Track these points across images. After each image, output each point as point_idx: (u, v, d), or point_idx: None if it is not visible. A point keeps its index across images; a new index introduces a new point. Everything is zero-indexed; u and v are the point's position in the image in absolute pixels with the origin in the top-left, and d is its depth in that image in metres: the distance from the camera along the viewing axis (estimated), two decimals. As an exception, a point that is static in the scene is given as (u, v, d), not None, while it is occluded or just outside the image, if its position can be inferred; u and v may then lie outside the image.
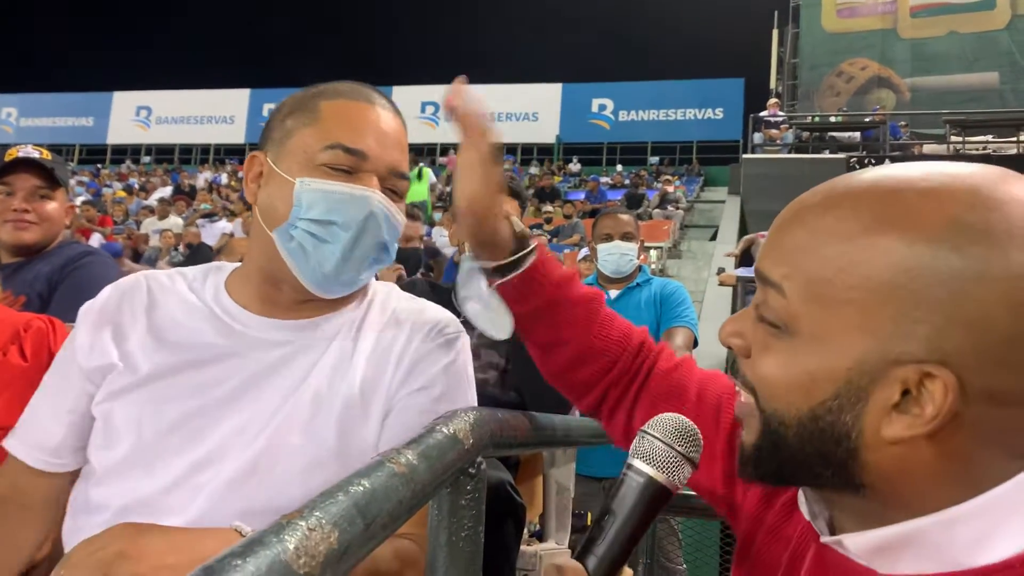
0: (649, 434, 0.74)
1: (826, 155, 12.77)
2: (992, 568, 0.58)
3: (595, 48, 31.37)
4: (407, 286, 2.26)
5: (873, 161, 12.01)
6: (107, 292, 1.07)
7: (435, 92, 25.03)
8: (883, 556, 0.63)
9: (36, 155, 2.18)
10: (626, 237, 3.05)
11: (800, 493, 0.75)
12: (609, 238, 3.06)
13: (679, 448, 0.73)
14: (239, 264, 1.13)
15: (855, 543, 0.64)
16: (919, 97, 17.53)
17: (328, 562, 0.49)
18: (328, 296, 1.05)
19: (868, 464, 0.61)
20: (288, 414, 0.97)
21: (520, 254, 0.99)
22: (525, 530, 1.97)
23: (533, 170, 20.21)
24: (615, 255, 3.04)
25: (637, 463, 0.73)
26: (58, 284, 2.11)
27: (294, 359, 1.02)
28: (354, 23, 36.05)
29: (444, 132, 24.58)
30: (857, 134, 13.57)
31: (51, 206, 2.18)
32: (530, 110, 24.28)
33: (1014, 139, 13.01)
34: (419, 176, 14.19)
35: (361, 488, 0.56)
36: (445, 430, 0.73)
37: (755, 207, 11.66)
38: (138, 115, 26.82)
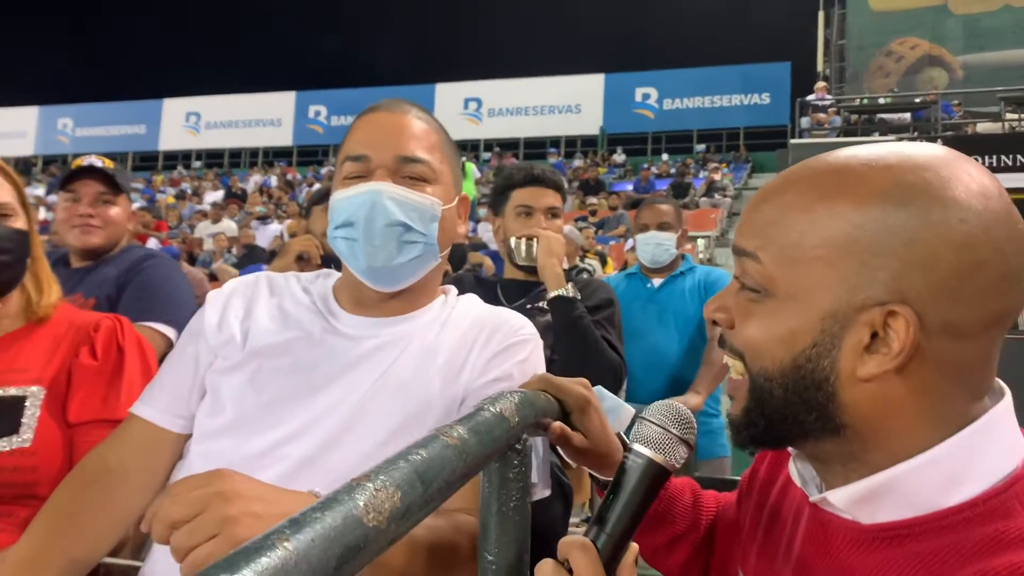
0: (647, 420, 0.82)
1: (875, 137, 12.54)
2: (961, 507, 0.65)
3: (637, 37, 31.17)
4: (454, 281, 2.34)
5: (925, 142, 11.79)
6: (233, 283, 1.23)
7: (477, 88, 25.15)
8: (864, 507, 0.70)
9: (99, 164, 2.31)
10: (663, 227, 3.08)
11: (791, 465, 0.81)
12: (646, 228, 3.09)
13: (674, 431, 0.80)
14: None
15: (838, 498, 0.71)
16: (972, 75, 17.09)
17: (393, 518, 0.56)
18: (386, 288, 1.17)
19: (847, 404, 0.68)
20: (372, 399, 1.09)
21: None
22: (578, 516, 2.03)
23: (577, 162, 20.21)
24: (651, 245, 3.08)
25: (637, 446, 0.80)
26: (125, 286, 2.23)
27: (380, 352, 1.14)
28: (393, 23, 36.35)
29: (487, 128, 24.69)
30: (908, 115, 13.30)
31: (114, 211, 2.31)
32: (573, 102, 24.24)
33: (1073, 115, 12.63)
34: (463, 172, 14.27)
35: (419, 457, 0.63)
36: (493, 409, 0.80)
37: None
38: (188, 121, 27.41)
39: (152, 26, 37.45)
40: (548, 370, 2.03)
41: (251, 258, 10.76)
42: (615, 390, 2.03)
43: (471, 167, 15.08)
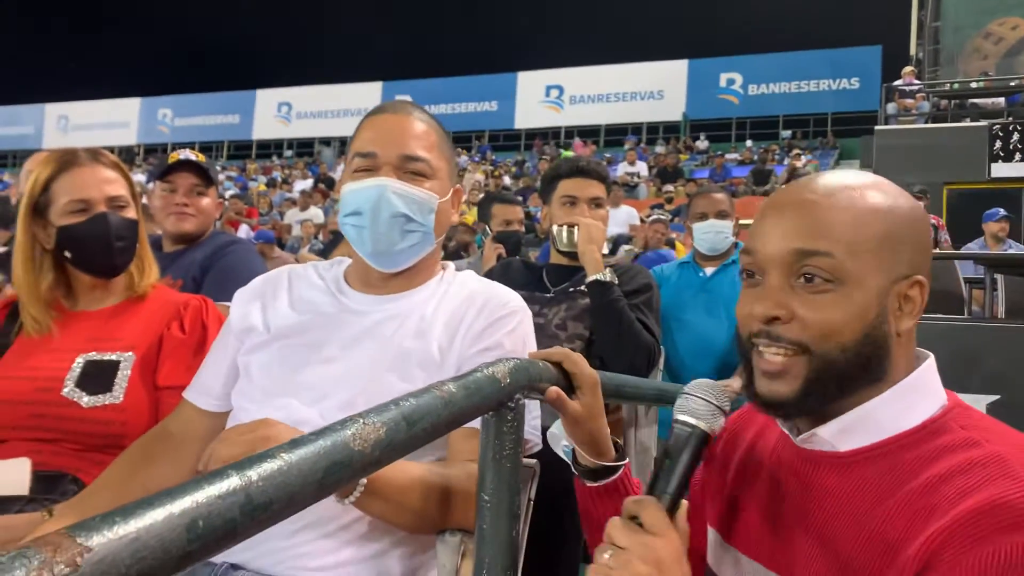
0: (690, 394, 0.95)
1: (966, 123, 12.11)
2: (915, 429, 0.87)
3: (722, 21, 30.63)
4: (504, 265, 2.50)
5: (1020, 128, 11.32)
6: (257, 280, 1.45)
7: (559, 76, 25.17)
8: (845, 436, 0.89)
9: (193, 157, 2.55)
10: (720, 215, 3.16)
11: (782, 424, 0.97)
12: (704, 217, 3.17)
13: (713, 401, 0.94)
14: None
15: (826, 431, 0.90)
16: (1079, 55, 16.25)
17: (377, 446, 0.72)
18: (389, 269, 1.36)
19: (893, 355, 0.89)
20: (377, 365, 1.27)
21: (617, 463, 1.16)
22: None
23: (659, 149, 20.08)
24: (710, 233, 3.16)
25: (682, 417, 0.94)
26: (209, 269, 2.46)
27: (384, 324, 1.33)
28: (474, 12, 36.63)
29: (568, 115, 24.71)
30: (1002, 100, 12.77)
31: (206, 201, 2.55)
32: (655, 88, 24.05)
33: None
34: None
35: (409, 403, 0.80)
36: (486, 371, 0.95)
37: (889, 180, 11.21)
38: (279, 111, 28.32)
39: (242, 19, 38.71)
40: (586, 349, 2.18)
41: (336, 244, 11.17)
42: (647, 370, 2.16)
43: (568, 155, 15.11)
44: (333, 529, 1.17)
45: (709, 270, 3.20)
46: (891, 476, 0.84)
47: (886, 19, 20.19)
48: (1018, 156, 11.26)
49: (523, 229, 3.51)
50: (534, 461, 1.36)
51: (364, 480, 1.05)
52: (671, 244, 7.23)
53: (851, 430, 0.89)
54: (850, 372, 0.87)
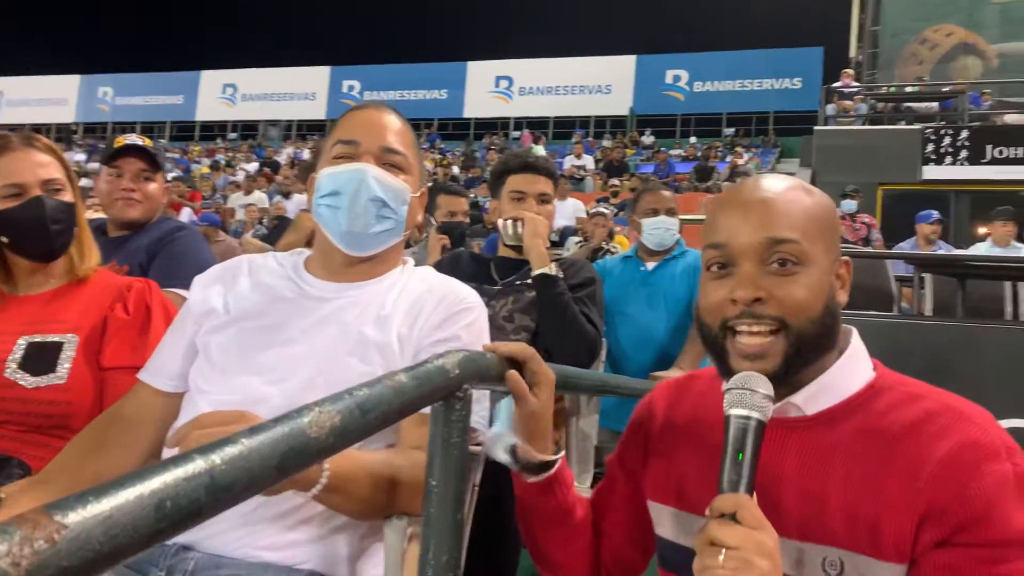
0: (737, 388, 0.97)
1: (901, 126, 12.50)
2: (862, 391, 1.03)
3: (670, 18, 30.94)
4: (452, 256, 2.54)
5: (951, 132, 11.73)
6: (216, 267, 1.48)
7: (509, 67, 25.19)
8: (812, 402, 1.03)
9: (140, 142, 2.52)
10: (670, 212, 3.25)
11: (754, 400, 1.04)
12: (655, 212, 3.25)
13: (762, 390, 0.96)
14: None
15: (799, 399, 1.03)
16: (1008, 64, 16.84)
17: (332, 433, 0.75)
18: (359, 252, 1.40)
19: (839, 326, 1.04)
20: (338, 348, 1.31)
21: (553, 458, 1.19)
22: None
23: (605, 143, 20.25)
24: (660, 229, 3.25)
25: (738, 411, 0.95)
26: (155, 255, 2.44)
27: (345, 310, 1.37)
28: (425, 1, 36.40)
29: (517, 107, 24.76)
30: (935, 104, 13.22)
31: (153, 187, 2.53)
32: (603, 82, 24.23)
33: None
34: None
35: (362, 393, 0.83)
36: (436, 362, 0.99)
37: (826, 179, 11.51)
38: (224, 93, 27.80)
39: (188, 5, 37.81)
40: (532, 340, 2.23)
41: (282, 229, 11.03)
42: (590, 361, 2.23)
43: (540, 151, 15.14)
44: (283, 512, 1.20)
45: (651, 265, 3.29)
46: (863, 431, 0.99)
47: (828, 21, 20.67)
48: (948, 159, 11.69)
49: (468, 220, 3.55)
50: (479, 448, 1.40)
51: (326, 476, 1.08)
52: (612, 237, 7.33)
53: (817, 395, 1.03)
54: (818, 342, 1.01)
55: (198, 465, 0.59)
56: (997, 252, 6.37)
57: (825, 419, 1.02)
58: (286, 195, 12.61)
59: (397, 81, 26.28)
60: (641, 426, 1.24)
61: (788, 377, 1.00)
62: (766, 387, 0.96)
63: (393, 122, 1.46)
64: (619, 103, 23.90)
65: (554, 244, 8.42)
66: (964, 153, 11.62)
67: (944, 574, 0.89)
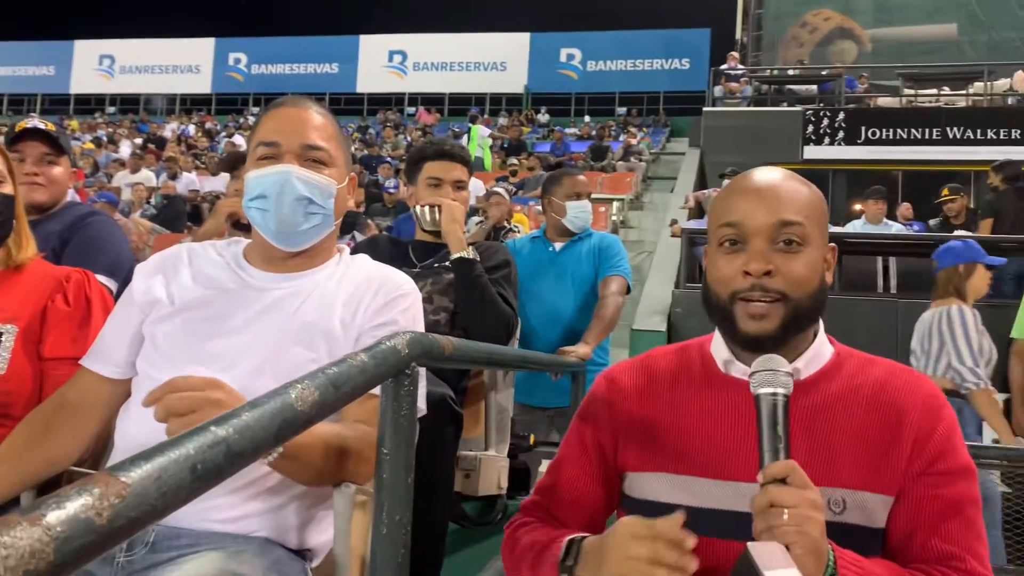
0: (759, 372, 1.09)
1: (783, 108, 13.12)
2: (833, 357, 1.22)
3: (564, -4, 31.23)
4: (370, 240, 2.63)
5: (829, 114, 12.40)
6: (156, 257, 1.52)
7: (402, 41, 24.95)
8: (808, 366, 1.20)
9: (42, 126, 2.49)
10: (589, 196, 3.42)
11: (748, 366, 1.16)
12: (579, 197, 3.37)
13: (783, 369, 1.08)
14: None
15: (801, 362, 1.19)
16: (880, 48, 17.83)
17: (314, 406, 0.86)
18: (292, 248, 1.48)
19: (826, 298, 1.19)
20: (283, 336, 1.39)
21: None
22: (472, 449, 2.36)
23: (502, 120, 20.37)
24: (584, 213, 3.38)
25: (766, 390, 1.07)
26: (69, 240, 2.43)
27: (287, 299, 1.45)
28: (320, -31, 35.47)
29: (411, 82, 24.58)
30: (815, 87, 13.92)
31: (57, 170, 2.50)
32: (498, 59, 24.33)
33: (964, 92, 13.44)
34: (468, 135, 14.61)
35: (334, 371, 0.94)
36: (388, 343, 1.11)
37: (714, 159, 12.00)
38: (101, 64, 26.51)
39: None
40: (452, 318, 2.36)
41: (171, 209, 10.72)
42: (507, 339, 2.37)
43: (476, 129, 15.03)
44: (240, 485, 1.28)
45: (558, 245, 3.43)
46: (846, 389, 1.19)
47: (715, 3, 21.33)
48: (827, 140, 12.36)
49: (361, 209, 3.62)
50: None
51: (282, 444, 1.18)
52: (511, 217, 7.49)
53: (812, 361, 1.21)
54: (811, 313, 1.17)
55: (217, 434, 0.70)
56: (870, 229, 6.87)
57: (816, 382, 1.20)
58: (173, 175, 12.19)
59: (286, 54, 25.66)
60: (610, 405, 1.30)
61: (784, 340, 1.16)
62: (786, 366, 1.08)
63: (313, 117, 1.50)
64: (514, 80, 24.05)
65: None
66: (841, 134, 12.31)
67: (924, 492, 1.13)
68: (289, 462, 1.20)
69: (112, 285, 2.41)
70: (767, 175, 1.22)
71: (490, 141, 15.47)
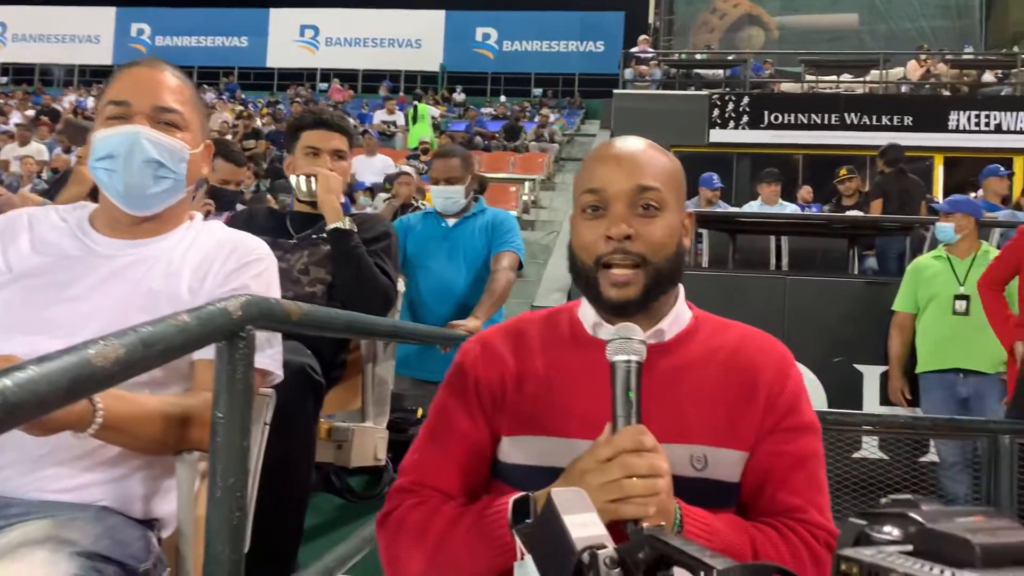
0: (618, 338, 1.08)
1: (690, 92, 13.37)
2: (693, 320, 1.28)
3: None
4: (248, 212, 2.58)
5: (734, 99, 12.70)
6: None
7: (313, 15, 24.40)
8: (671, 328, 1.25)
9: None
10: (451, 181, 3.38)
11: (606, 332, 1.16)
12: (436, 182, 3.41)
13: (637, 337, 1.08)
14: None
15: (665, 323, 1.24)
16: (786, 35, 18.33)
17: (116, 364, 0.84)
18: (140, 212, 1.44)
19: (684, 265, 1.25)
20: (128, 304, 1.35)
21: None
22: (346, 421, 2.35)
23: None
24: (440, 198, 3.41)
25: (622, 357, 1.07)
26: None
27: (132, 267, 1.41)
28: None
29: (323, 57, 24.09)
30: (722, 72, 14.22)
31: None
32: (413, 36, 24.05)
33: (862, 79, 13.94)
34: (416, 113, 14.39)
35: (146, 330, 0.93)
36: (219, 305, 1.09)
37: (624, 140, 12.11)
38: (-8, 32, 25.13)
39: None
40: (329, 290, 2.34)
41: (63, 183, 10.24)
42: (385, 311, 2.36)
43: (426, 108, 14.72)
44: (75, 456, 1.25)
45: (451, 221, 3.45)
46: (704, 350, 1.24)
47: (630, -14, 21.53)
48: (732, 124, 12.64)
49: (241, 190, 3.57)
50: (271, 391, 1.50)
51: (101, 416, 1.14)
52: (423, 195, 7.46)
53: (674, 324, 1.25)
54: (670, 276, 1.21)
55: (-9, 387, 0.68)
56: (767, 210, 7.08)
57: (676, 344, 1.25)
58: (67, 149, 11.65)
59: (192, 26, 24.78)
60: (484, 368, 1.27)
61: (646, 304, 1.19)
62: (639, 334, 1.09)
63: (168, 79, 1.46)
64: (429, 58, 23.83)
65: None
66: (745, 118, 12.61)
67: (773, 448, 1.20)
68: (114, 432, 1.18)
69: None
70: (627, 144, 1.25)
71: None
